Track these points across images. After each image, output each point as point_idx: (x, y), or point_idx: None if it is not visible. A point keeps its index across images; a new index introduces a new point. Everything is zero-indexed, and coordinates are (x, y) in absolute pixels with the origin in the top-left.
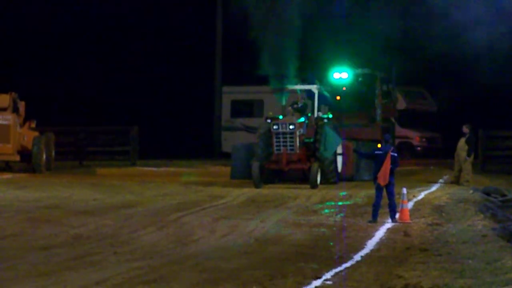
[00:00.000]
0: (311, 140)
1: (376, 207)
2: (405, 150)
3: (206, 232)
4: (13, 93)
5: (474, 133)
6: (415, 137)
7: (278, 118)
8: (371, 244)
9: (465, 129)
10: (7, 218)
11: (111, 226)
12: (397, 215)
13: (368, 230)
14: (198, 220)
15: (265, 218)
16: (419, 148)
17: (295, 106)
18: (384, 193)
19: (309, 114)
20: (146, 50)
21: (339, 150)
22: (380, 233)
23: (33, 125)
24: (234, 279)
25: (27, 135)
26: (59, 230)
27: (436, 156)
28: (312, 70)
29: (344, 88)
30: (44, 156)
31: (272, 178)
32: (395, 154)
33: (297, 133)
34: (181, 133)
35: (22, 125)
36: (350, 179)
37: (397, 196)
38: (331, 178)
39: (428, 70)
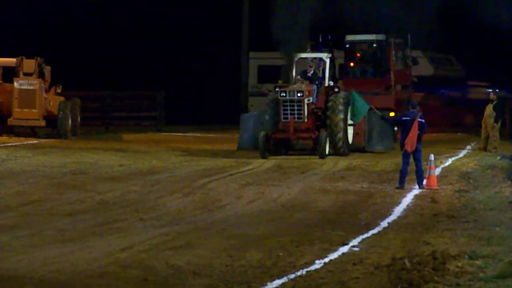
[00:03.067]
0: (320, 110)
1: (403, 174)
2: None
3: (233, 198)
4: (39, 58)
5: (501, 99)
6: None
7: (285, 87)
8: (398, 210)
9: (493, 95)
10: (32, 184)
11: (137, 192)
12: (425, 182)
13: (395, 196)
14: (225, 186)
15: (291, 185)
16: None
17: (306, 73)
18: (411, 159)
19: (319, 83)
20: (173, 15)
21: (349, 120)
22: (407, 199)
23: (59, 90)
24: (261, 246)
25: (53, 100)
26: (84, 196)
27: (463, 123)
28: (324, 36)
29: (359, 55)
30: (70, 122)
31: (279, 149)
32: (423, 120)
33: (306, 101)
34: (207, 98)
35: (48, 90)
36: (361, 150)
37: (424, 163)
38: (341, 148)
39: (456, 36)
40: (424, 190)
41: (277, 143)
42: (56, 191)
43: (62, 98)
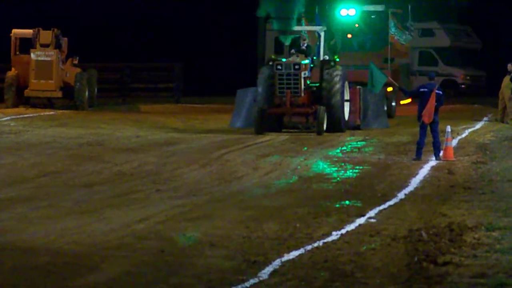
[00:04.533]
0: (316, 84)
1: (420, 145)
2: (449, 88)
3: (250, 170)
4: (55, 29)
5: None
6: (459, 75)
7: (281, 60)
8: (415, 182)
9: (510, 67)
10: (49, 155)
11: (154, 164)
12: (441, 153)
13: (412, 168)
14: (241, 158)
15: (308, 156)
16: (463, 86)
17: (300, 47)
18: (428, 131)
19: (314, 58)
20: None
21: (346, 95)
22: (424, 171)
23: (76, 61)
24: (278, 217)
25: (70, 72)
26: (101, 167)
27: (480, 94)
28: (318, 7)
29: (357, 25)
30: (87, 93)
31: (273, 125)
32: (440, 92)
33: (302, 75)
34: (224, 70)
35: (64, 62)
36: (356, 127)
37: (441, 134)
38: (338, 124)
39: (473, 7)
40: (441, 161)
41: (271, 120)
42: (73, 163)
43: (79, 70)
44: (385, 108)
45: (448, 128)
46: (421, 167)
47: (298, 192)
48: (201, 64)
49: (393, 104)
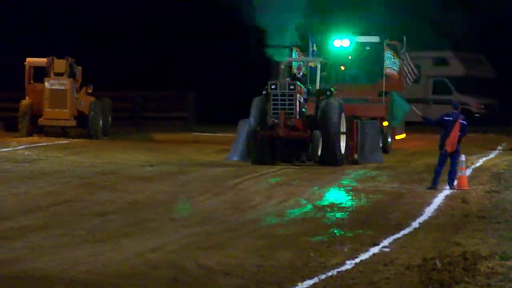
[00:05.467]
0: (311, 116)
1: (437, 174)
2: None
3: (263, 198)
4: (69, 58)
5: None
6: (473, 104)
7: (275, 80)
8: (429, 211)
9: None
10: (63, 184)
11: (168, 193)
12: (455, 182)
13: (426, 197)
14: (255, 187)
15: (322, 185)
16: (477, 115)
17: (296, 76)
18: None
19: (310, 87)
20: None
21: (343, 128)
22: (438, 200)
23: (90, 90)
24: (292, 246)
25: (84, 100)
26: (115, 196)
27: (494, 123)
28: (312, 38)
29: (350, 57)
30: (101, 122)
31: (266, 157)
32: (465, 122)
33: (297, 97)
34: (237, 98)
35: (78, 90)
36: (353, 162)
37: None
38: (333, 158)
39: (487, 36)
40: (455, 190)
41: (262, 146)
42: (87, 191)
43: (93, 98)
44: (381, 143)
45: (462, 157)
46: (435, 196)
47: (312, 221)
48: (213, 93)
49: (389, 140)
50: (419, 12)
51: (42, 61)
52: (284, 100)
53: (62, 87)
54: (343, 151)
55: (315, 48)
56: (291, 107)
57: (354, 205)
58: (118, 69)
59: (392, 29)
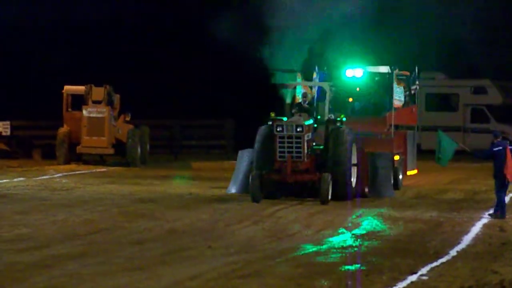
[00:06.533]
0: (321, 147)
1: (504, 203)
2: None
3: (302, 227)
4: (107, 86)
5: None
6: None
7: (281, 120)
8: (467, 239)
9: None
10: (101, 212)
11: (206, 221)
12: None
13: (464, 225)
14: (294, 215)
15: (360, 213)
16: None
17: (302, 105)
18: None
19: (318, 117)
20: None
21: (354, 159)
22: (476, 228)
23: (128, 118)
24: (330, 274)
25: (122, 128)
26: (153, 224)
27: None
28: (322, 65)
29: (358, 89)
30: (139, 150)
31: (273, 192)
32: None
33: (305, 137)
34: None
35: (117, 118)
36: (363, 195)
37: (493, 191)
38: (344, 192)
39: None
40: (493, 219)
41: (271, 185)
42: (125, 219)
43: (131, 126)
44: (392, 177)
45: None
46: (473, 225)
47: (350, 249)
48: (252, 121)
49: (400, 176)
50: (457, 42)
51: (80, 89)
52: (291, 143)
53: (100, 115)
54: (354, 184)
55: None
56: (299, 149)
57: (392, 233)
58: (156, 97)
59: (427, 58)
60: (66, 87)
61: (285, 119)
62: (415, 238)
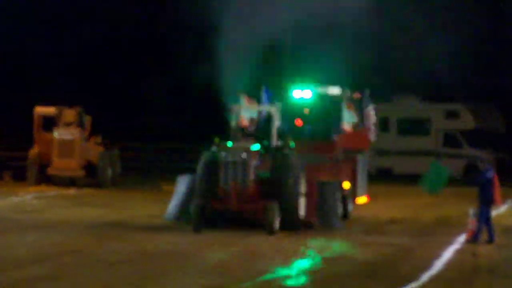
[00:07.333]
0: (267, 174)
1: (491, 227)
2: (473, 171)
3: (273, 252)
4: (78, 108)
5: None
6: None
7: (226, 145)
8: (438, 264)
9: None
10: (71, 234)
11: (176, 243)
12: (465, 236)
13: (435, 250)
14: (265, 238)
15: (332, 237)
16: None
17: (247, 130)
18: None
19: (265, 142)
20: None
21: (302, 188)
22: (448, 253)
23: (99, 140)
24: None
25: (93, 150)
26: (123, 246)
27: (505, 177)
28: (269, 86)
29: (306, 111)
30: (110, 171)
31: (214, 220)
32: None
33: (251, 163)
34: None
35: (87, 140)
36: (309, 226)
37: (465, 216)
38: (292, 222)
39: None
40: (465, 244)
41: (213, 214)
42: (95, 241)
43: (101, 148)
44: (341, 206)
45: (471, 211)
46: (445, 250)
47: (321, 273)
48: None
49: (350, 205)
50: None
51: (51, 110)
52: (236, 169)
53: (71, 137)
54: (302, 213)
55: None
56: (244, 176)
57: (363, 258)
58: (127, 119)
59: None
60: (37, 108)
61: (230, 144)
62: (387, 262)
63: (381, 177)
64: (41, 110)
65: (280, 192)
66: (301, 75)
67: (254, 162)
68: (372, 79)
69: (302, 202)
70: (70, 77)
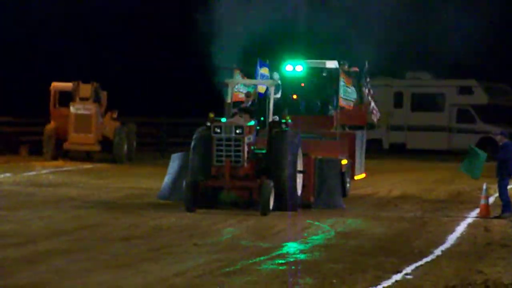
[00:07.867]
0: (263, 151)
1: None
2: (487, 145)
3: (287, 225)
4: (95, 83)
5: None
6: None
7: (220, 121)
8: (451, 239)
9: None
10: (88, 208)
11: (191, 218)
12: (478, 210)
13: (448, 225)
14: (279, 213)
15: (345, 212)
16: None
17: (242, 105)
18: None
19: (262, 118)
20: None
21: (299, 166)
22: (461, 228)
23: (115, 115)
24: (314, 272)
25: (109, 125)
26: (139, 221)
27: None
28: (262, 60)
29: (303, 85)
30: (126, 147)
31: (208, 199)
32: None
33: (246, 140)
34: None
35: (103, 115)
36: (307, 205)
37: (477, 191)
38: (287, 202)
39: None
40: (478, 218)
41: (206, 192)
42: (111, 216)
43: (118, 123)
44: (341, 185)
45: (484, 186)
46: (458, 224)
47: (335, 248)
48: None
49: (348, 181)
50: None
51: (67, 85)
52: (230, 145)
53: (87, 112)
54: (299, 191)
55: (264, 72)
56: (238, 153)
57: (376, 233)
58: (144, 95)
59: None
60: (54, 84)
61: (224, 120)
62: (400, 237)
63: (394, 152)
64: (57, 85)
65: (275, 171)
66: (315, 52)
67: (248, 139)
68: (386, 55)
69: (299, 181)
70: (86, 53)
